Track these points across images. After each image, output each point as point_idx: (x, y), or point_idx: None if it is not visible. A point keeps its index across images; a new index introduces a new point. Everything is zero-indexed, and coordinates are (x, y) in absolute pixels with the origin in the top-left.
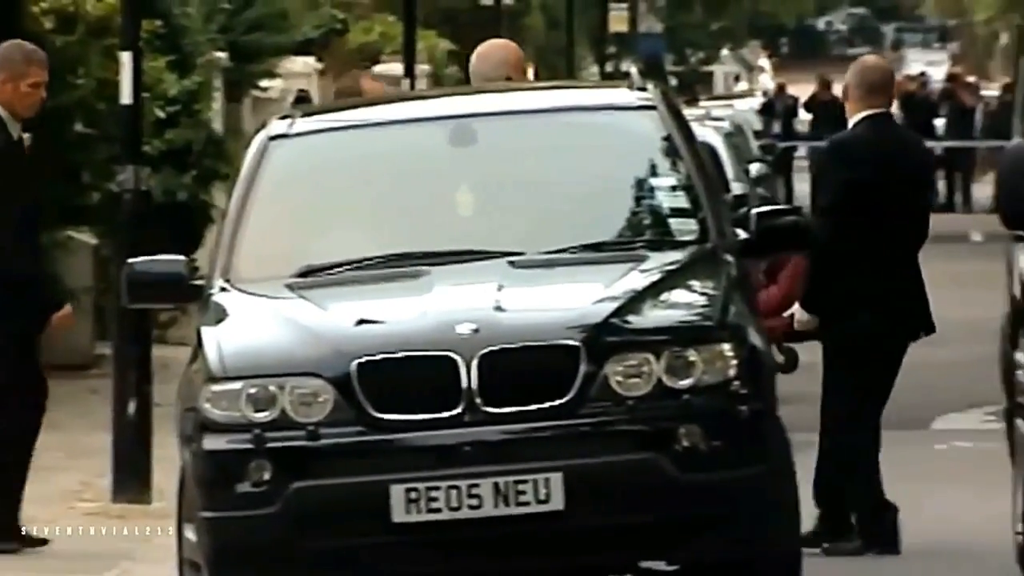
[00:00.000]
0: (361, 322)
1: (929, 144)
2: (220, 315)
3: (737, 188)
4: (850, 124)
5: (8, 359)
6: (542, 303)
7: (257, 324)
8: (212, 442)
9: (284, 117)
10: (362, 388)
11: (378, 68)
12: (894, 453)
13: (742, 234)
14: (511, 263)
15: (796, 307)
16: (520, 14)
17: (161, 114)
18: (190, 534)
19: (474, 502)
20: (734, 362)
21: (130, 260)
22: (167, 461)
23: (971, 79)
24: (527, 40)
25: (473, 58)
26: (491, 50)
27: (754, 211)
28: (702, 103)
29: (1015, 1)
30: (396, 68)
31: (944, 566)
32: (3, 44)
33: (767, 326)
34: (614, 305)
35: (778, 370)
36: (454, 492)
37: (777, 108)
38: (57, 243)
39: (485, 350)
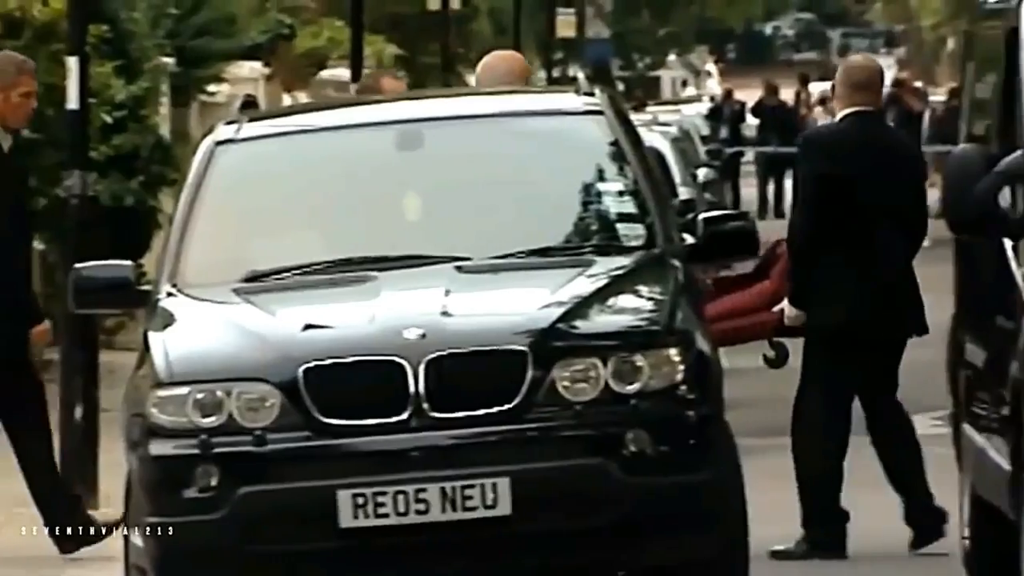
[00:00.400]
0: (308, 327)
1: None
2: (167, 320)
3: (684, 193)
4: (836, 120)
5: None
6: (489, 308)
7: (204, 329)
8: (159, 447)
9: (231, 122)
10: (309, 393)
11: (325, 73)
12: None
13: (689, 239)
14: (458, 268)
15: (784, 302)
16: (467, 19)
17: (108, 119)
18: (137, 539)
19: (421, 507)
20: (681, 367)
21: (77, 265)
22: (114, 466)
23: (918, 84)
24: (474, 45)
25: (479, 68)
26: (496, 61)
27: (701, 216)
28: (649, 108)
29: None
30: (343, 73)
31: (892, 570)
32: None
33: (759, 321)
34: (561, 310)
35: (768, 365)
36: (401, 497)
37: (724, 113)
38: None
39: (432, 355)
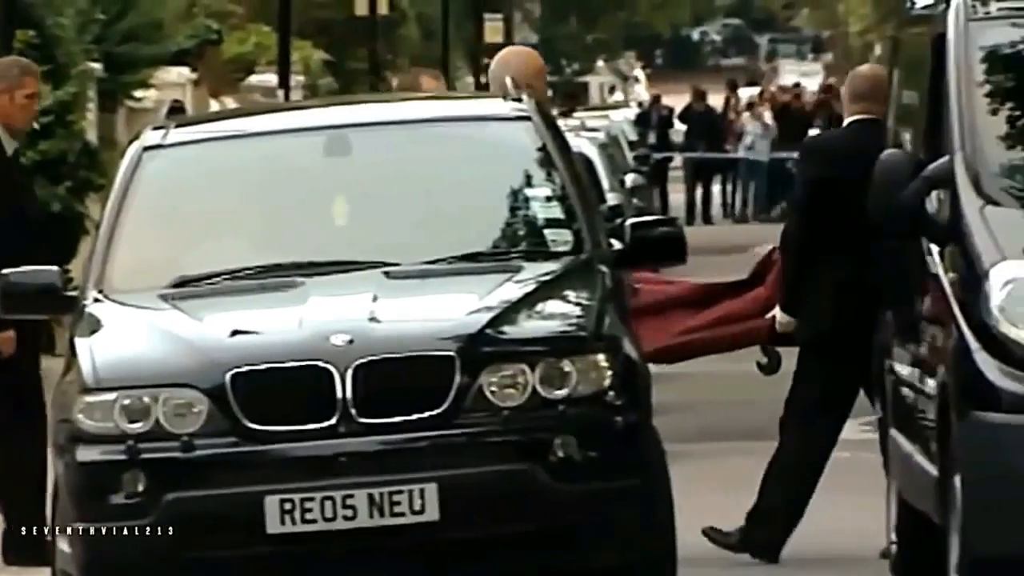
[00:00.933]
0: (235, 333)
1: None
2: (94, 326)
3: (612, 199)
4: (842, 128)
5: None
6: (417, 314)
7: (131, 335)
8: (85, 453)
9: (158, 128)
10: (236, 399)
11: (252, 79)
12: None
13: (617, 245)
14: (386, 274)
15: (776, 309)
16: (396, 25)
17: (35, 125)
18: (64, 545)
19: (349, 513)
20: (609, 373)
21: (3, 271)
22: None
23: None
24: (402, 51)
25: (492, 63)
26: (509, 56)
27: (629, 222)
28: (577, 114)
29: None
30: (271, 79)
31: (819, 574)
32: None
33: (752, 328)
34: (489, 316)
35: (761, 372)
36: (329, 503)
37: (652, 119)
38: None
39: (360, 361)
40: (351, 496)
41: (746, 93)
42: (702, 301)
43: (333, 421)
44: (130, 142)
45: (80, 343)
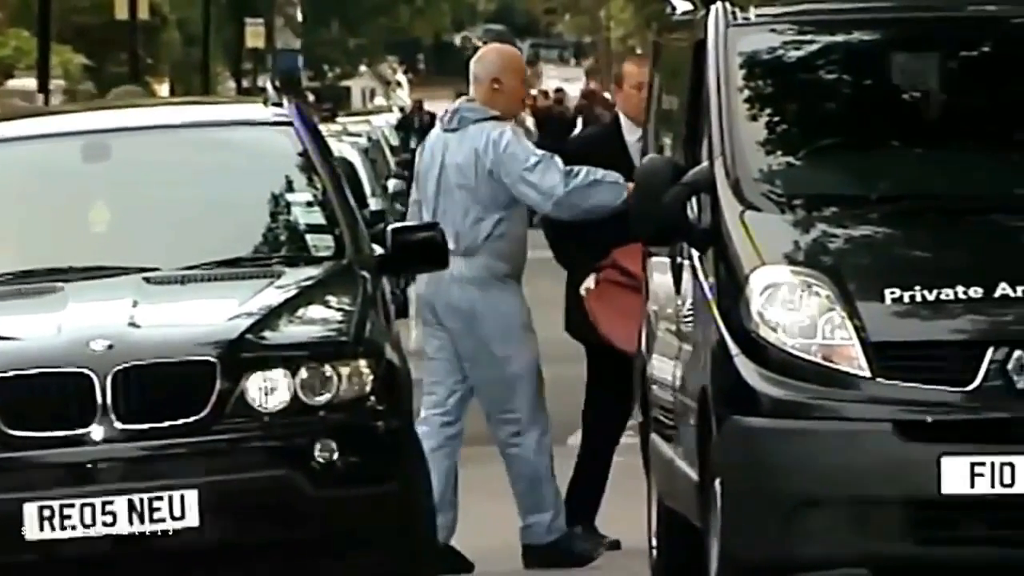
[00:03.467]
0: None
1: None
2: None
3: (374, 204)
4: None
5: None
6: (177, 319)
7: None
8: None
9: None
10: None
11: (12, 83)
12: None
13: (379, 250)
14: (146, 279)
15: None
16: (156, 29)
17: None
18: None
19: (108, 519)
20: (370, 378)
21: None
22: None
23: (607, 95)
24: (163, 56)
25: (473, 61)
26: (487, 53)
27: (390, 227)
28: (340, 119)
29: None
30: (30, 83)
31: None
32: None
33: None
34: (250, 321)
35: None
36: (88, 509)
37: (414, 124)
38: None
39: (120, 366)
40: (111, 503)
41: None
42: None
43: (93, 427)
44: None
45: None
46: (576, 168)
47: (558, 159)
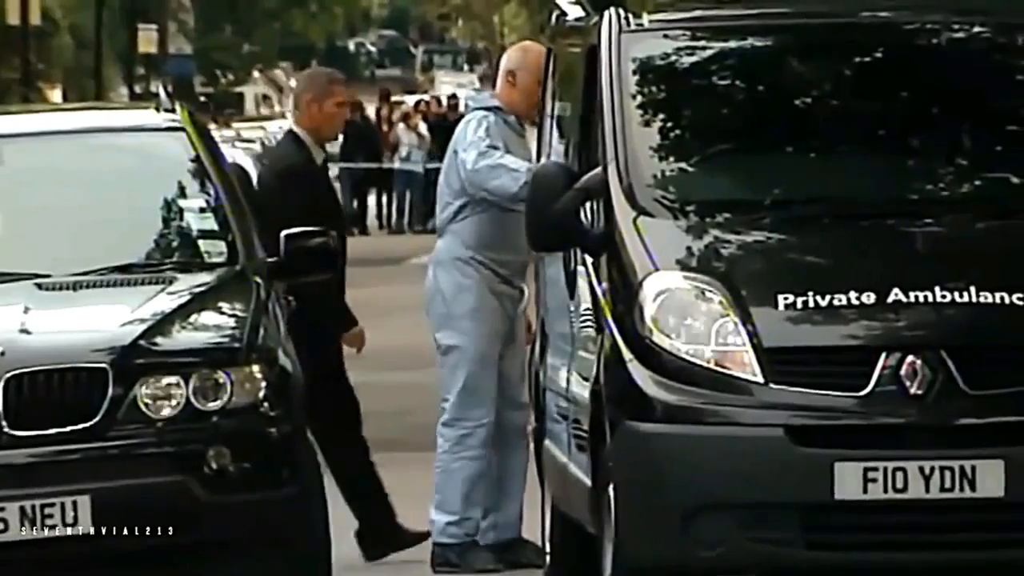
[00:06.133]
0: None
1: None
2: None
3: None
4: None
5: None
6: (69, 325)
7: None
8: None
9: None
10: None
11: None
12: (410, 475)
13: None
14: (38, 285)
15: None
16: (48, 35)
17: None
18: None
19: (0, 526)
20: (263, 384)
21: None
22: None
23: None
24: (55, 62)
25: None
26: (512, 49)
27: (284, 233)
28: (233, 124)
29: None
30: None
31: None
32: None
33: None
34: (142, 327)
35: None
36: None
37: None
38: None
39: (11, 373)
40: (2, 509)
41: (412, 100)
42: None
43: None
44: None
45: None
46: (493, 152)
47: (499, 144)
